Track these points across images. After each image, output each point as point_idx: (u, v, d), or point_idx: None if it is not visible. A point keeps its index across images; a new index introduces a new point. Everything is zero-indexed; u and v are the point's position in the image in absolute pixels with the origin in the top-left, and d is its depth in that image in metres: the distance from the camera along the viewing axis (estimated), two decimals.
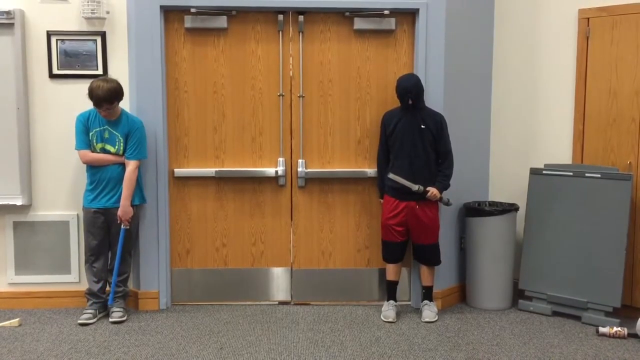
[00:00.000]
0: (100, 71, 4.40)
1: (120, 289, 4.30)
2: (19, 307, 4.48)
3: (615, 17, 4.33)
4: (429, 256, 4.33)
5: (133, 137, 4.18)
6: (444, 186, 4.25)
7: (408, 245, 4.38)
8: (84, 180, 4.38)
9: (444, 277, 4.56)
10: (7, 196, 4.41)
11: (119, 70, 4.41)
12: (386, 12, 4.37)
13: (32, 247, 4.49)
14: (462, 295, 4.73)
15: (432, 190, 4.18)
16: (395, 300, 4.39)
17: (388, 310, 4.29)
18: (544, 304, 4.42)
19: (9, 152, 4.40)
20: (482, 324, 4.26)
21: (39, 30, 4.38)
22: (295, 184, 4.53)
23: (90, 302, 4.27)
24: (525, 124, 4.80)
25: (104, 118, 4.16)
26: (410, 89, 4.15)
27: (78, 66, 4.42)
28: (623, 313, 4.19)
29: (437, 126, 4.21)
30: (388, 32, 4.47)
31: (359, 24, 4.42)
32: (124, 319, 4.22)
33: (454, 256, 4.68)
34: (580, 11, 4.49)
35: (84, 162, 4.20)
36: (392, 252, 4.33)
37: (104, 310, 4.32)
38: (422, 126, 4.19)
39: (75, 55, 4.41)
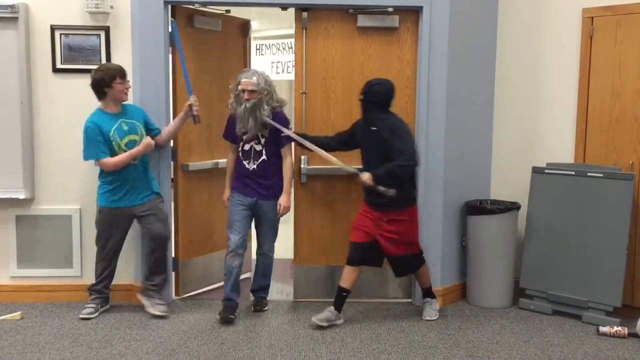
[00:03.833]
0: None
1: (158, 284, 4.30)
2: (21, 300, 4.49)
3: (619, 16, 4.32)
4: (403, 267, 4.19)
5: (145, 116, 4.20)
6: (379, 175, 3.91)
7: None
8: (87, 175, 4.40)
9: (445, 275, 4.56)
10: (9, 190, 4.42)
11: (123, 65, 4.37)
12: (390, 9, 4.37)
13: (34, 241, 4.50)
14: (462, 293, 4.74)
15: (363, 175, 3.95)
16: (339, 312, 4.11)
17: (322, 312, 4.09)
18: (545, 302, 4.43)
19: (12, 146, 4.40)
20: (483, 322, 4.27)
21: (43, 24, 4.38)
22: (297, 181, 4.53)
23: (93, 296, 4.28)
24: (527, 123, 4.80)
25: (113, 113, 4.07)
26: (361, 90, 4.06)
27: (82, 61, 4.42)
28: (623, 313, 4.19)
29: (387, 128, 3.96)
30: (392, 30, 4.46)
31: (363, 21, 4.42)
32: (167, 312, 4.22)
33: (455, 254, 4.69)
34: (584, 10, 4.48)
35: (109, 170, 4.04)
36: (354, 251, 4.10)
37: (105, 305, 4.33)
38: (373, 128, 4.01)
39: (78, 50, 4.41)
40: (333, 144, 4.22)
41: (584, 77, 4.50)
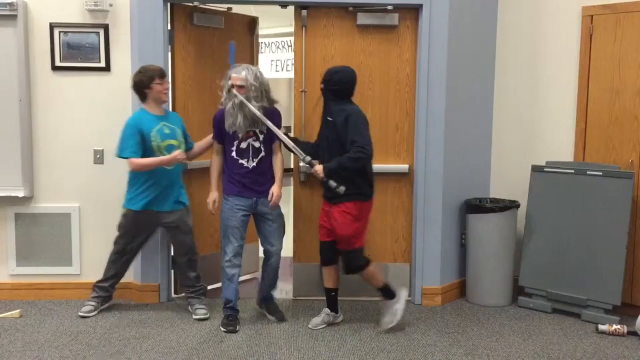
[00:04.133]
0: (102, 64, 4.40)
1: (199, 286, 4.33)
2: (20, 298, 4.49)
3: (619, 14, 4.32)
4: (346, 261, 3.97)
5: (184, 128, 4.21)
6: (330, 168, 3.80)
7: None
8: (86, 173, 4.41)
9: (444, 273, 4.56)
10: (8, 188, 4.42)
11: (122, 63, 4.41)
12: (389, 7, 4.37)
13: (33, 238, 4.50)
14: (462, 291, 4.74)
15: (316, 167, 3.85)
16: (336, 312, 4.12)
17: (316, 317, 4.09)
18: (544, 301, 4.43)
19: (11, 144, 4.40)
20: (482, 320, 4.27)
21: (42, 22, 4.37)
22: (297, 179, 4.53)
23: (95, 294, 4.25)
24: (527, 121, 4.80)
25: (155, 114, 4.06)
26: (322, 79, 3.95)
27: (80, 59, 4.42)
28: (623, 311, 4.19)
29: (342, 119, 3.80)
30: (391, 28, 4.46)
31: (362, 19, 4.42)
32: (208, 315, 4.20)
33: (454, 252, 4.69)
34: (584, 8, 4.48)
35: (134, 170, 4.03)
36: (320, 251, 4.10)
37: (106, 303, 4.32)
38: (329, 118, 3.89)
39: (77, 48, 4.41)
40: (315, 148, 4.08)
41: (583, 75, 4.50)
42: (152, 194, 4.06)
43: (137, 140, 3.96)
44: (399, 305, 4.01)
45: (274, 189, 4.04)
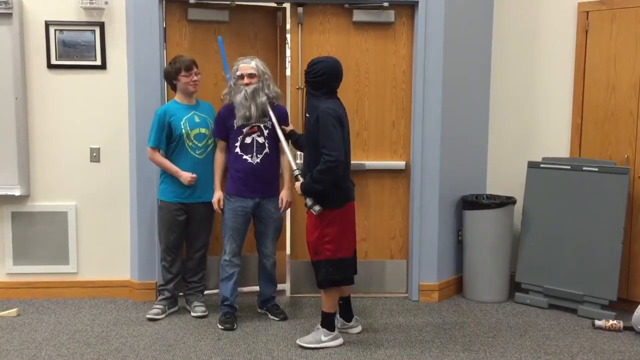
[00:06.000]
0: (99, 62, 4.39)
1: (201, 283, 4.33)
2: (17, 297, 4.49)
3: (614, 10, 4.33)
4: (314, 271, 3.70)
5: (212, 119, 4.18)
6: (306, 185, 3.56)
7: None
8: (83, 171, 4.40)
9: (441, 270, 4.57)
10: (5, 186, 4.41)
11: (118, 61, 4.41)
12: (385, 4, 4.37)
13: (30, 237, 4.49)
14: (459, 288, 4.75)
15: (296, 183, 3.66)
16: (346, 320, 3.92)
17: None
18: (541, 296, 4.44)
19: (7, 143, 4.39)
20: (479, 316, 4.28)
21: (37, 20, 4.36)
22: (293, 175, 4.51)
23: (162, 297, 4.22)
24: (523, 118, 4.80)
25: (186, 104, 4.09)
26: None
27: (76, 57, 4.41)
28: (619, 306, 4.20)
29: (314, 119, 3.53)
30: (387, 25, 4.46)
31: (358, 16, 4.42)
32: (206, 313, 4.19)
33: (451, 249, 4.70)
34: (580, 4, 4.48)
35: (149, 158, 4.10)
36: None
37: (174, 307, 4.27)
38: (307, 115, 3.65)
39: (73, 46, 4.40)
40: None
41: (579, 71, 4.51)
42: (183, 186, 4.06)
43: (159, 131, 4.02)
44: (328, 342, 3.67)
45: (285, 195, 4.09)
